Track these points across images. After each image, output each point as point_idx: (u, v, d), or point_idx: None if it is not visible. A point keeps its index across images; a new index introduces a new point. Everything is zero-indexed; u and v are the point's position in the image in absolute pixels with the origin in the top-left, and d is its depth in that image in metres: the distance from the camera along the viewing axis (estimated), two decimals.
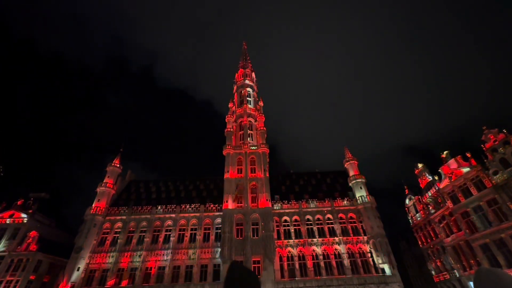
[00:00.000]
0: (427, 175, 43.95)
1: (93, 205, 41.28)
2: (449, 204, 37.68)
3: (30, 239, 40.27)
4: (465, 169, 35.98)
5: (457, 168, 37.07)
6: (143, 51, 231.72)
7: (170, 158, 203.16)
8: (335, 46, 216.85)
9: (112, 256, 37.63)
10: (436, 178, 40.83)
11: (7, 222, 42.21)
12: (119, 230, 40.36)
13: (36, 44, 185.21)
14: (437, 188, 39.93)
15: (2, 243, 40.03)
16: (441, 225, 40.48)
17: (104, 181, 44.43)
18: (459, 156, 37.88)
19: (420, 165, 45.49)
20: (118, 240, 39.15)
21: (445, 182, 38.50)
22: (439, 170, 39.90)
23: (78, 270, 35.83)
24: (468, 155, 36.46)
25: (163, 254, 37.69)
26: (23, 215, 43.11)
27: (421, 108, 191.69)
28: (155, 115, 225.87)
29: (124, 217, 41.31)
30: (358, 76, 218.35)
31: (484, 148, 35.11)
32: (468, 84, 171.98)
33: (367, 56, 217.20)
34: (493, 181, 32.68)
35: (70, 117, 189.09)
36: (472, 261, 34.59)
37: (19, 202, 45.31)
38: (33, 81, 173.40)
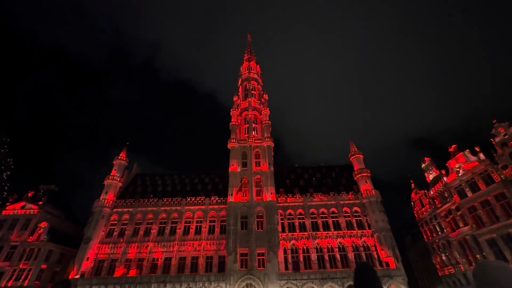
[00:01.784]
0: (434, 169, 43.39)
1: (101, 197, 42.14)
2: (456, 198, 37.27)
3: (41, 229, 41.48)
4: (474, 163, 35.39)
5: (465, 163, 36.49)
6: (145, 43, 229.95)
7: (174, 150, 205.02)
8: (340, 39, 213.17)
9: (120, 247, 38.54)
10: (443, 172, 40.29)
11: (19, 213, 43.49)
12: (126, 222, 41.20)
13: (37, 37, 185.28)
14: (444, 183, 39.47)
15: (14, 233, 41.37)
16: (447, 220, 40.16)
17: (111, 174, 45.18)
18: (467, 150, 37.21)
19: (427, 159, 44.89)
20: (126, 232, 40.01)
21: (452, 177, 38.01)
22: (447, 164, 39.37)
23: (87, 260, 36.86)
24: (477, 149, 35.79)
25: (170, 246, 38.43)
26: (34, 207, 44.33)
27: (427, 100, 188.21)
28: (158, 108, 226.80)
29: (131, 209, 42.09)
30: (362, 69, 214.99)
31: (493, 142, 34.38)
32: (477, 75, 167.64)
33: (372, 49, 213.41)
34: (502, 176, 32.12)
35: (73, 110, 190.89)
36: (478, 255, 34.35)
37: (29, 194, 46.57)
38: (36, 75, 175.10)
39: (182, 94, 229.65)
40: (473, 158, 36.08)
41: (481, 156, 34.93)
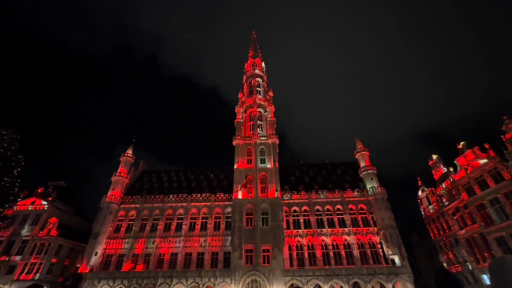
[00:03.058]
0: (441, 166, 42.75)
1: (108, 194, 42.86)
2: (464, 196, 36.70)
3: (51, 225, 42.49)
4: (483, 161, 34.72)
5: (474, 160, 35.81)
6: (148, 38, 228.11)
7: (178, 146, 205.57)
8: (345, 34, 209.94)
9: (127, 242, 39.23)
10: (451, 169, 39.67)
11: (29, 208, 44.60)
12: (133, 217, 41.86)
13: (41, 34, 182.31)
14: (452, 180, 38.87)
15: (25, 228, 42.50)
16: (455, 218, 39.62)
17: (118, 171, 45.83)
18: (476, 147, 36.49)
19: (434, 156, 44.24)
20: (133, 227, 40.67)
21: (460, 174, 37.40)
22: (455, 161, 38.73)
23: (96, 254, 37.65)
24: (487, 146, 35.07)
25: (176, 241, 38.96)
26: (44, 202, 45.37)
27: (434, 94, 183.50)
28: (162, 103, 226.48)
29: (137, 205, 42.71)
30: (367, 63, 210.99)
31: (504, 139, 33.61)
32: (486, 67, 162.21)
33: (376, 43, 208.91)
34: None
35: (78, 106, 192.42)
36: (486, 254, 33.88)
37: (39, 190, 47.62)
38: (39, 71, 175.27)
39: (186, 89, 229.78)
40: (482, 155, 35.39)
41: (491, 153, 34.23)
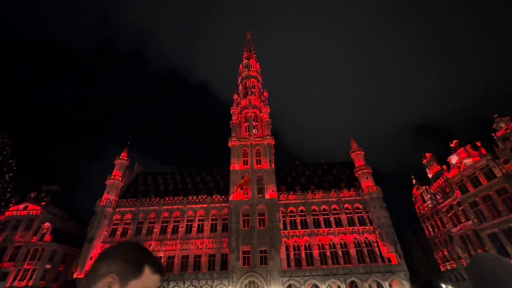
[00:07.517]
0: (435, 164, 43.34)
1: (103, 197, 42.31)
2: (457, 193, 37.25)
3: (45, 230, 41.78)
4: (475, 158, 35.31)
5: (467, 158, 36.41)
6: (135, 32, 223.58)
7: (170, 145, 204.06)
8: (339, 27, 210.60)
9: None
10: (445, 167, 40.28)
11: (22, 214, 43.79)
12: (129, 221, 41.42)
13: (20, 27, 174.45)
14: (445, 178, 39.45)
15: (18, 234, 41.70)
16: (449, 215, 40.19)
17: (112, 174, 45.29)
18: (468, 145, 37.13)
19: (428, 155, 44.84)
20: (128, 231, 40.24)
21: (453, 172, 37.96)
22: (448, 160, 39.34)
23: (90, 259, 37.10)
24: (478, 143, 35.73)
25: (172, 244, 38.65)
26: (37, 207, 44.60)
27: (430, 85, 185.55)
28: (151, 100, 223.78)
29: (133, 209, 42.27)
30: (362, 57, 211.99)
31: (495, 137, 34.28)
32: (482, 59, 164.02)
33: (370, 36, 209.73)
34: (503, 170, 32.05)
35: (65, 105, 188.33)
36: (480, 250, 34.38)
37: (32, 195, 46.82)
38: (20, 68, 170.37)
39: (175, 85, 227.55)
40: (474, 153, 36.00)
41: (483, 151, 34.86)
